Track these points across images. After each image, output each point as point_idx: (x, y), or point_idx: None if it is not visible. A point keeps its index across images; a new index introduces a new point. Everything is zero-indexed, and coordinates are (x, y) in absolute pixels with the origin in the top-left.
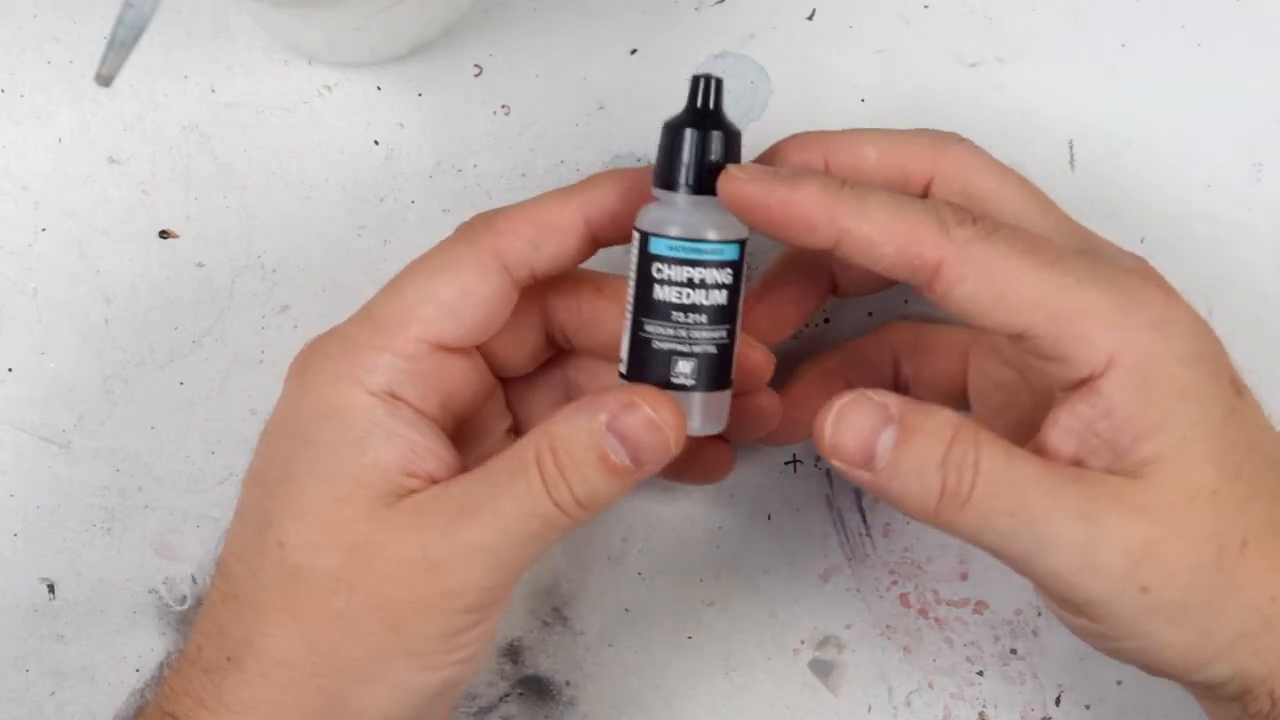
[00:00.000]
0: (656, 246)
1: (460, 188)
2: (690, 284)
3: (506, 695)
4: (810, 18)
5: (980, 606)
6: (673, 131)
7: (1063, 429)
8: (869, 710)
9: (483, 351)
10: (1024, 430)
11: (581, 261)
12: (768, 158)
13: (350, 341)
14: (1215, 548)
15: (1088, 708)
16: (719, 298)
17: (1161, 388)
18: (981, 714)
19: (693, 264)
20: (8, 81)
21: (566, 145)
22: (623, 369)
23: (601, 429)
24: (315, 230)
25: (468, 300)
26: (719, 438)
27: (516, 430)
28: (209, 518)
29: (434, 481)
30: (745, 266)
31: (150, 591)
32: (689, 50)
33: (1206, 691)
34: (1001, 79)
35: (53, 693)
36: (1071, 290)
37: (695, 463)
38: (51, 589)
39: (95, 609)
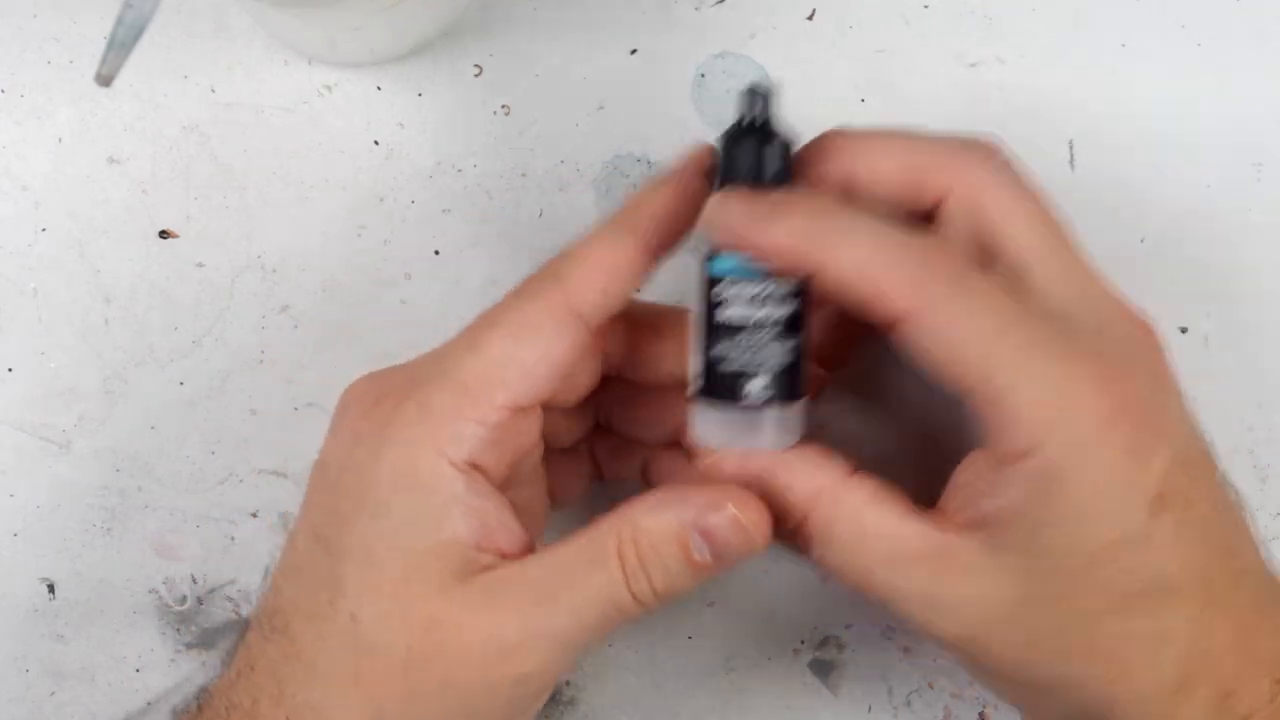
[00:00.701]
0: (719, 267)
1: (460, 188)
2: (755, 300)
3: None
4: (810, 18)
5: None
6: (728, 146)
7: (964, 476)
8: (869, 710)
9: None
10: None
11: (642, 281)
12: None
13: (433, 408)
14: (1056, 645)
15: None
16: (787, 309)
17: (1059, 498)
18: (981, 714)
19: (757, 280)
20: (8, 81)
21: (566, 145)
22: (692, 390)
23: (688, 527)
24: (315, 230)
25: (547, 361)
26: None
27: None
28: (209, 518)
29: (503, 555)
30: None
31: (150, 591)
32: (689, 50)
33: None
34: (1001, 79)
35: (53, 693)
36: (1022, 380)
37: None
38: (51, 589)
39: (95, 609)
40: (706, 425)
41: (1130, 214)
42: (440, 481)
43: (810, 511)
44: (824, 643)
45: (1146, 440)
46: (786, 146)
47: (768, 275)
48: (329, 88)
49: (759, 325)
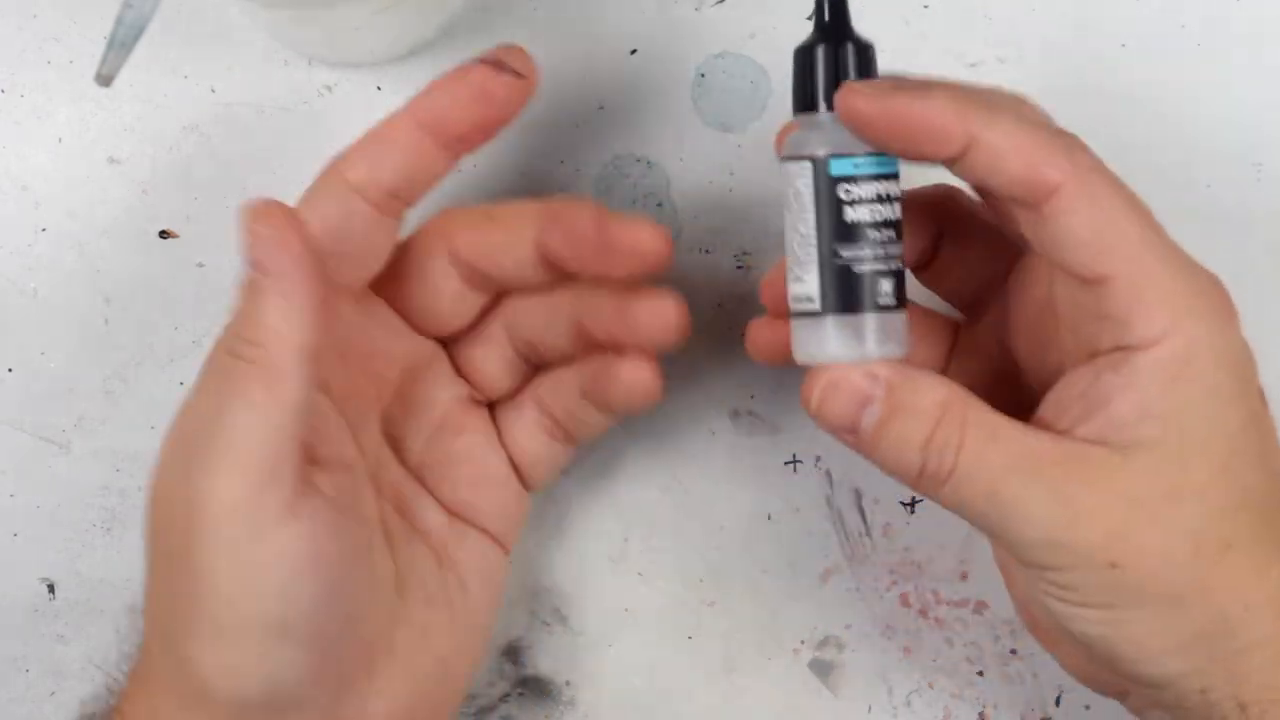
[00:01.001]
0: (840, 168)
1: (460, 188)
2: (880, 199)
3: (506, 695)
4: (810, 18)
5: (980, 606)
6: (806, 53)
7: (1077, 389)
8: (869, 710)
9: (400, 310)
10: (1036, 353)
11: (442, 174)
12: (922, 89)
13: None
14: (1192, 545)
15: (1087, 708)
16: (899, 210)
17: (1191, 381)
18: (981, 714)
19: (878, 178)
20: (8, 81)
21: (566, 145)
22: (815, 305)
23: None
24: None
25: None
26: None
27: (473, 399)
28: None
29: None
30: None
31: None
32: (689, 50)
33: (1150, 696)
34: (1001, 79)
35: (53, 693)
36: (1164, 260)
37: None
38: (51, 589)
39: (95, 609)
40: (824, 340)
41: None
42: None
43: (943, 417)
44: (824, 643)
45: (1245, 340)
46: (870, 47)
47: (891, 173)
48: (329, 88)
49: (888, 223)
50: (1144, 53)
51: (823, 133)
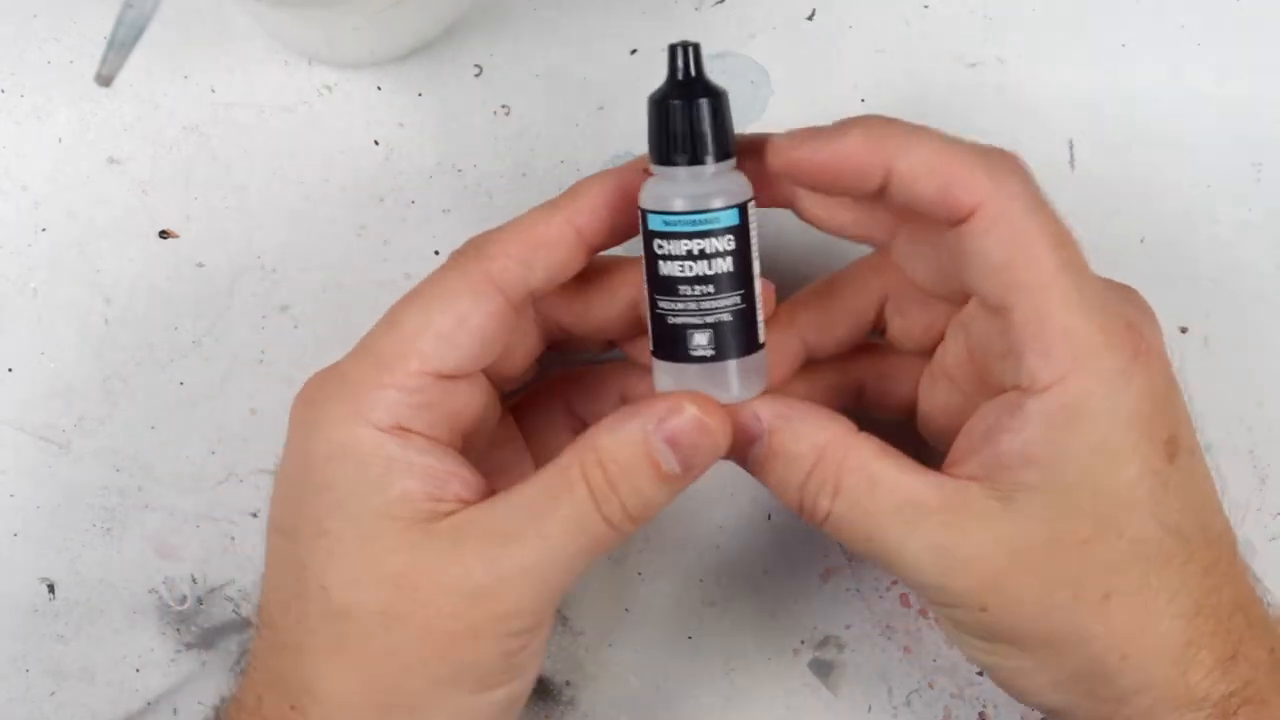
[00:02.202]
0: (654, 223)
1: (460, 188)
2: (692, 256)
3: None
4: (810, 18)
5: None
6: (658, 105)
7: (978, 425)
8: (869, 710)
9: (485, 371)
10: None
11: (578, 270)
12: (838, 131)
13: (350, 379)
14: (1071, 593)
15: None
16: (724, 265)
17: (1078, 433)
18: (981, 714)
19: (691, 236)
20: (8, 81)
21: (566, 145)
22: (650, 346)
23: (651, 436)
24: (315, 230)
25: (464, 328)
26: None
27: (532, 452)
28: (209, 518)
29: (464, 503)
30: (752, 227)
31: (150, 591)
32: None
33: (1044, 712)
34: (1001, 79)
35: (53, 693)
36: (1072, 297)
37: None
38: (51, 589)
39: (95, 609)
40: (665, 379)
41: (1130, 214)
42: (372, 448)
43: (818, 462)
44: (824, 643)
45: (1162, 386)
46: (722, 96)
47: (710, 230)
48: (329, 88)
49: (703, 279)
50: (1144, 53)
51: (650, 187)
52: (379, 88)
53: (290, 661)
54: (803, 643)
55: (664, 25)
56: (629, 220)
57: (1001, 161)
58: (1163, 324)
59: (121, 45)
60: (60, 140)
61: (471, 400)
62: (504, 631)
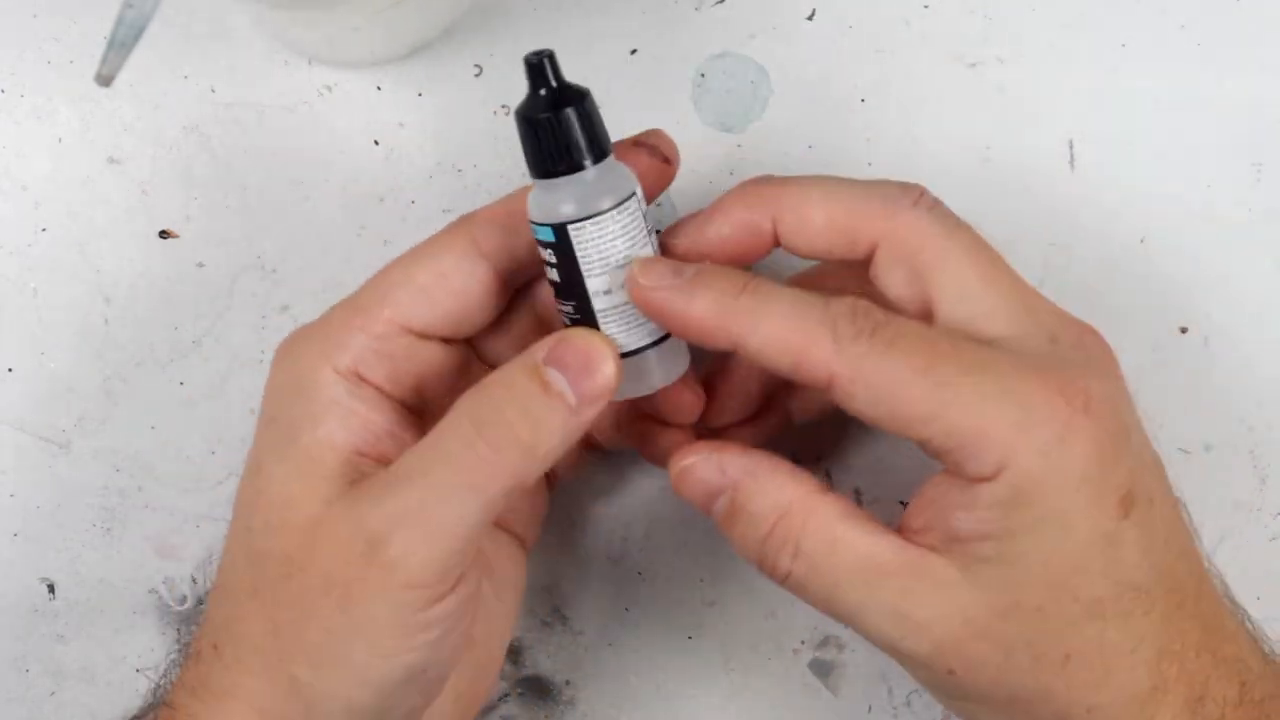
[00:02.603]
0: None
1: (460, 188)
2: (546, 263)
3: (506, 695)
4: (810, 18)
5: None
6: (526, 124)
7: (929, 497)
8: (869, 710)
9: (480, 350)
10: None
11: None
12: (714, 211)
13: (327, 323)
14: (1031, 656)
15: None
16: (554, 275)
17: (1027, 509)
18: None
19: (544, 245)
20: (8, 81)
21: None
22: None
23: (538, 362)
24: (315, 230)
25: (442, 285)
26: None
27: None
28: (209, 518)
29: (387, 463)
30: (592, 237)
31: (150, 591)
32: (689, 50)
33: None
34: (1001, 79)
35: (53, 693)
36: (967, 406)
37: (664, 409)
38: (51, 589)
39: (95, 609)
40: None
41: (1130, 214)
42: (321, 386)
43: (780, 520)
44: (824, 643)
45: (1109, 440)
46: (576, 99)
47: (547, 241)
48: (329, 88)
49: (552, 283)
50: (1144, 53)
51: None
52: (379, 88)
53: (218, 601)
54: (803, 643)
55: (664, 25)
56: None
57: (845, 313)
58: (1162, 324)
59: (121, 45)
60: (60, 140)
61: (444, 364)
62: (395, 583)
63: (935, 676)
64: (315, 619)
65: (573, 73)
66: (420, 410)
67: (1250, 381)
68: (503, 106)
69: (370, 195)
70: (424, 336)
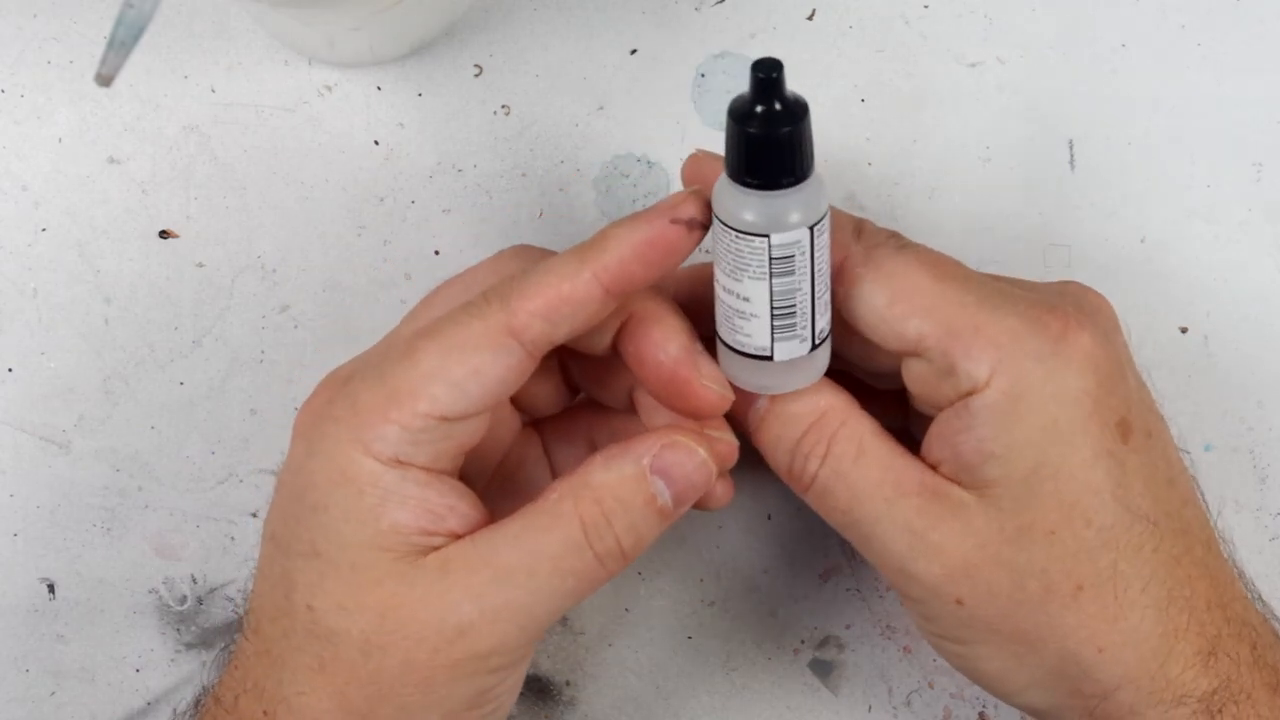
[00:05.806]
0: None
1: (460, 188)
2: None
3: None
4: (810, 18)
5: None
6: (730, 124)
7: (934, 437)
8: (869, 710)
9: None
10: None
11: (601, 320)
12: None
13: (360, 407)
14: (1043, 586)
15: None
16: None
17: (1026, 418)
18: (981, 714)
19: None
20: (8, 81)
21: (566, 145)
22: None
23: (646, 471)
24: (315, 230)
25: (478, 379)
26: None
27: (555, 472)
28: (209, 518)
29: (455, 536)
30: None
31: (150, 591)
32: (689, 50)
33: (1031, 714)
34: (1001, 79)
35: (53, 693)
36: (967, 306)
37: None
38: (51, 589)
39: (95, 609)
40: (730, 368)
41: (1130, 214)
42: (368, 477)
43: (816, 423)
44: (824, 643)
45: (1107, 363)
46: (790, 115)
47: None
48: (329, 88)
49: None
50: (1144, 53)
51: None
52: (379, 88)
53: (271, 670)
54: (803, 643)
55: (664, 25)
56: (656, 272)
57: (866, 222)
58: (1162, 324)
59: (121, 45)
60: (60, 140)
61: (479, 431)
62: (484, 669)
63: (941, 608)
64: (392, 698)
65: (573, 72)
66: (471, 472)
67: (1250, 381)
68: (503, 107)
69: (370, 195)
70: (462, 419)
